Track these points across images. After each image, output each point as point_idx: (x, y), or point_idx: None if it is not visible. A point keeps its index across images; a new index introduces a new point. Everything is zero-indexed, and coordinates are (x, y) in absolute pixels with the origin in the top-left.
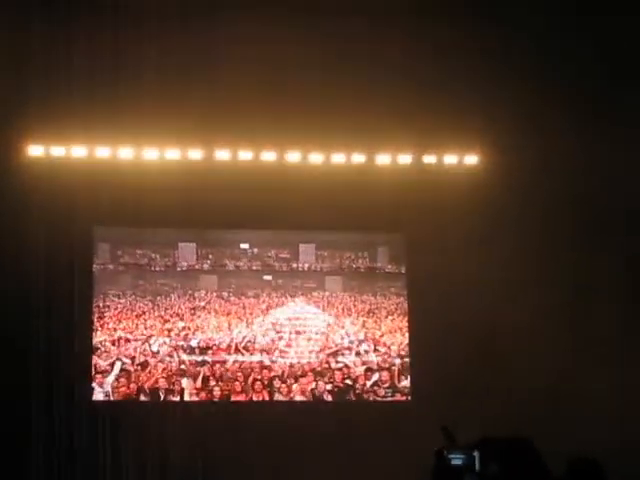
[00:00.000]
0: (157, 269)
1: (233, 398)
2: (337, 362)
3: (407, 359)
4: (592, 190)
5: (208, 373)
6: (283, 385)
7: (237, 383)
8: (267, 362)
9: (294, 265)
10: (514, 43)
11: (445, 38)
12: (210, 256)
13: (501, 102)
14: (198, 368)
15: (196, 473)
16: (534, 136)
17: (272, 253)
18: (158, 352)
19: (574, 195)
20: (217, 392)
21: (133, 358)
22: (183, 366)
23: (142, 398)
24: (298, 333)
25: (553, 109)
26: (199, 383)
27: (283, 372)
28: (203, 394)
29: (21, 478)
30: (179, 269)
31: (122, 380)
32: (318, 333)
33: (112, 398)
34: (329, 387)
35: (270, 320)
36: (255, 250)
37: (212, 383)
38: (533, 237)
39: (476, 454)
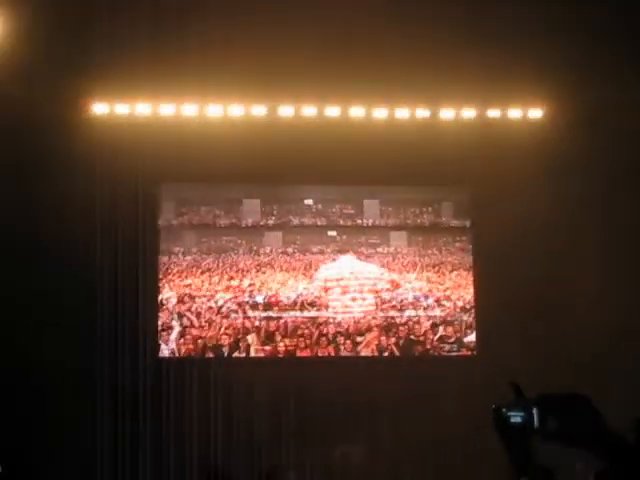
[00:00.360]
0: (222, 226)
1: (298, 354)
2: (402, 317)
3: (472, 314)
4: None
5: (273, 329)
6: (348, 341)
7: (302, 339)
8: (332, 317)
9: (358, 221)
10: None
11: None
12: (274, 212)
13: (565, 55)
14: (263, 324)
15: (261, 430)
16: (598, 88)
17: (336, 209)
18: (223, 308)
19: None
20: (282, 348)
21: (199, 314)
22: (248, 322)
23: (207, 354)
24: (363, 288)
25: (618, 61)
26: (264, 339)
27: (348, 327)
28: (268, 350)
29: (88, 434)
30: (244, 225)
31: (187, 337)
32: (383, 288)
33: (177, 355)
34: (394, 342)
35: (335, 276)
36: (319, 206)
37: (277, 339)
38: (597, 189)
39: (535, 411)
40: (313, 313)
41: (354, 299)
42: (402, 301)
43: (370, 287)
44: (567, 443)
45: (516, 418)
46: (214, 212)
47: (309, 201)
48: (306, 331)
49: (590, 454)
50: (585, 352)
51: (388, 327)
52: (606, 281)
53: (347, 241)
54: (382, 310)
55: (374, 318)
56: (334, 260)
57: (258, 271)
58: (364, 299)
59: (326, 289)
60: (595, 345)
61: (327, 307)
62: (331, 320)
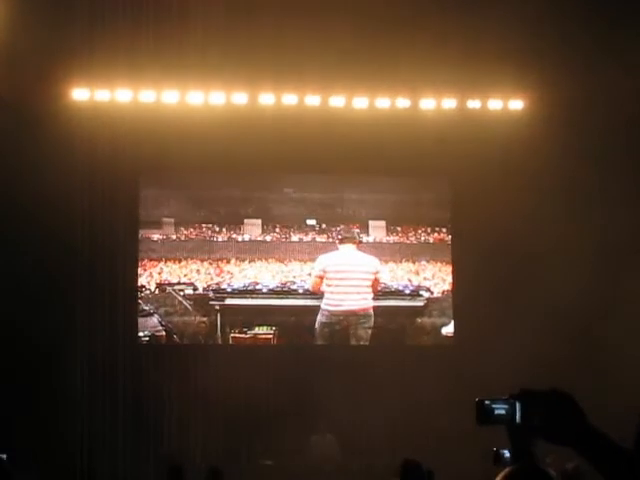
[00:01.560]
0: (201, 213)
1: (276, 342)
2: (382, 305)
3: (450, 304)
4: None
5: (250, 317)
6: (326, 329)
7: (280, 327)
8: (311, 305)
9: (338, 210)
10: None
11: None
12: (254, 200)
13: (546, 46)
14: (239, 311)
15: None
16: (579, 80)
17: (316, 198)
18: (201, 295)
19: (619, 139)
20: (262, 337)
21: (176, 301)
22: (226, 309)
23: (183, 341)
24: (342, 277)
25: (599, 53)
26: (240, 326)
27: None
28: (244, 338)
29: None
30: (224, 213)
31: (165, 321)
32: (359, 277)
33: (156, 341)
34: (372, 331)
35: (314, 264)
36: (299, 194)
37: (256, 327)
38: (577, 181)
39: (517, 406)
40: (291, 301)
41: (333, 288)
42: (381, 290)
43: (350, 276)
44: (549, 439)
45: (500, 410)
46: (194, 199)
47: (289, 189)
48: (285, 319)
49: (572, 450)
50: (563, 343)
51: (366, 316)
52: (587, 273)
53: (326, 230)
54: (361, 299)
55: (353, 307)
56: (313, 249)
57: (237, 259)
58: (343, 288)
59: (306, 277)
60: (574, 335)
61: (306, 295)
62: (310, 307)
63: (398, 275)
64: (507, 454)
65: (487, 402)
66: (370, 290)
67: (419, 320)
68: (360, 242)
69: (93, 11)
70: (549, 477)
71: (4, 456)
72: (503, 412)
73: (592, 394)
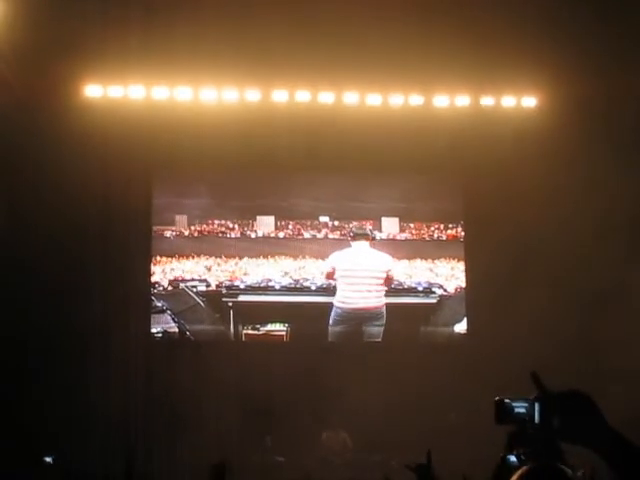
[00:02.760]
0: (214, 210)
1: (289, 339)
2: (394, 303)
3: (464, 301)
4: None
5: (263, 313)
6: (338, 327)
7: (293, 323)
8: (324, 302)
9: (351, 206)
10: None
11: None
12: (267, 196)
13: (559, 43)
14: (252, 308)
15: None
16: (592, 77)
17: (329, 194)
18: (214, 291)
19: (634, 136)
20: (275, 333)
21: (189, 297)
22: (237, 306)
23: (195, 337)
24: (355, 275)
25: (612, 49)
26: (253, 323)
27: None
28: (257, 334)
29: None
30: (236, 209)
31: (178, 318)
32: (372, 275)
33: (168, 335)
34: (385, 328)
35: (329, 261)
36: (312, 190)
37: (269, 324)
38: (591, 177)
39: (536, 408)
40: (305, 297)
41: (346, 285)
42: (394, 286)
43: (363, 273)
44: (567, 440)
45: (519, 410)
46: (206, 196)
47: (302, 186)
48: (297, 315)
49: (591, 452)
50: (578, 341)
51: (380, 314)
52: (602, 269)
53: (339, 226)
54: (375, 295)
55: (366, 303)
56: (327, 245)
57: (249, 255)
58: (355, 284)
59: (320, 274)
60: (588, 333)
61: (319, 292)
62: (325, 304)
63: (411, 272)
64: (513, 459)
65: (507, 401)
66: (382, 288)
67: (432, 317)
68: (373, 239)
69: (105, 8)
70: (565, 476)
71: (50, 459)
72: (522, 412)
73: (604, 393)
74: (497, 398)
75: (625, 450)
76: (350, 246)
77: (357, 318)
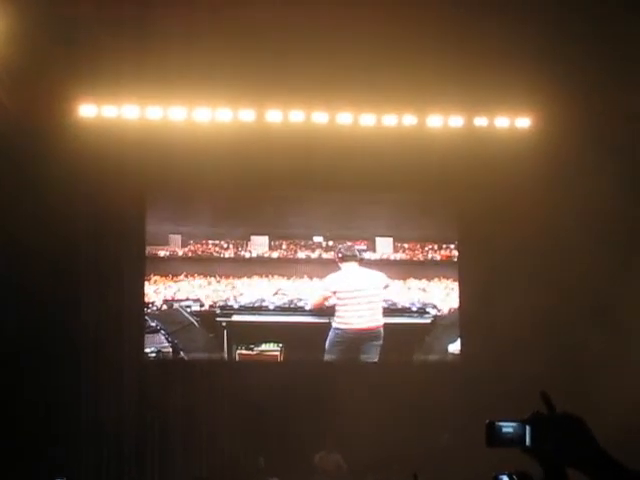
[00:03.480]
0: (208, 230)
1: (283, 359)
2: (389, 323)
3: (457, 321)
4: None
5: (257, 333)
6: (337, 348)
7: (288, 343)
8: (318, 322)
9: (345, 226)
10: (567, 4)
11: (496, 0)
12: (261, 216)
13: (553, 64)
14: (246, 328)
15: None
16: (586, 98)
17: (323, 214)
18: (208, 311)
19: (627, 156)
20: (268, 353)
21: (182, 317)
22: (233, 326)
23: (189, 357)
24: (354, 296)
25: (605, 70)
26: (246, 343)
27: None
28: (251, 355)
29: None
30: (230, 229)
31: (172, 337)
32: (371, 293)
33: (162, 356)
34: (380, 349)
35: (324, 283)
36: (305, 211)
37: (262, 344)
38: (585, 199)
39: (527, 430)
40: (300, 318)
41: (339, 305)
42: (388, 307)
43: (356, 294)
44: (558, 462)
45: (510, 433)
46: (200, 216)
47: (295, 206)
48: (291, 336)
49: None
50: (571, 363)
51: (375, 334)
52: (598, 288)
53: (333, 247)
54: (369, 316)
55: (360, 324)
56: (320, 266)
57: (243, 275)
58: (349, 305)
59: (314, 294)
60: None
61: (314, 312)
62: (320, 324)
63: (405, 292)
64: (505, 479)
65: (497, 424)
66: (381, 308)
67: (426, 337)
68: (362, 260)
69: (100, 27)
70: None
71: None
72: (513, 435)
73: (599, 413)
74: (487, 421)
75: (616, 473)
76: (340, 268)
77: (357, 339)
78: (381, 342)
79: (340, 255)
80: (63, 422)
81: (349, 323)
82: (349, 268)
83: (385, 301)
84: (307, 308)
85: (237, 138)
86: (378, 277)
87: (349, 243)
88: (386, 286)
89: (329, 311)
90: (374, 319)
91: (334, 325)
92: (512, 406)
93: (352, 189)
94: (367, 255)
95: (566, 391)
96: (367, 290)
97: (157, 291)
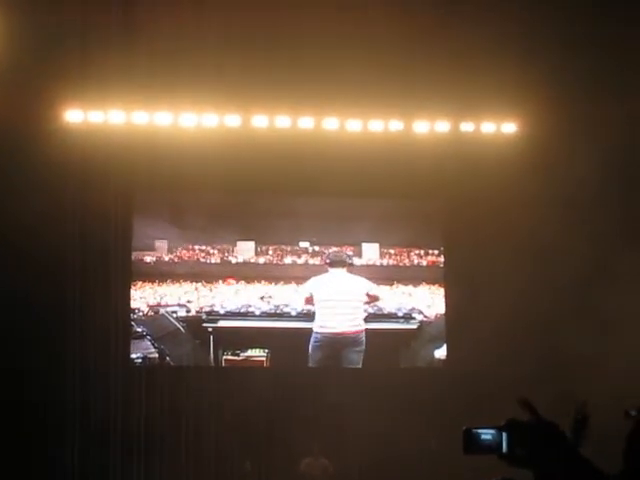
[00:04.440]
0: (194, 235)
1: (269, 364)
2: (375, 328)
3: (443, 326)
4: (634, 157)
5: (243, 339)
6: (318, 352)
7: (274, 349)
8: (304, 327)
9: (331, 232)
10: (552, 10)
11: (482, 5)
12: (247, 222)
13: (539, 69)
14: (232, 334)
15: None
16: (572, 103)
17: (309, 220)
18: (194, 317)
19: (613, 163)
20: (255, 359)
21: (168, 323)
22: (217, 331)
23: (175, 363)
24: (333, 299)
25: (591, 75)
26: (233, 349)
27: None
28: (237, 360)
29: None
30: (217, 234)
31: (158, 343)
32: (351, 298)
33: (148, 362)
34: (365, 354)
35: (307, 286)
36: (291, 216)
37: (249, 350)
38: (571, 204)
39: (504, 437)
40: (285, 323)
41: (326, 311)
42: (374, 312)
43: (343, 299)
44: (534, 468)
45: (487, 440)
46: (186, 221)
47: (282, 211)
48: (277, 341)
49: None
50: (558, 369)
51: (359, 339)
52: (584, 293)
53: (319, 252)
54: (354, 321)
55: (344, 329)
56: (307, 271)
57: (230, 280)
58: (336, 311)
59: (300, 300)
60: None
61: (300, 317)
62: (303, 329)
63: (391, 298)
64: None
65: (474, 431)
66: (362, 313)
67: (412, 343)
68: (350, 265)
69: (86, 33)
70: None
71: None
72: (490, 442)
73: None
74: (464, 427)
75: (592, 478)
76: (327, 271)
77: (336, 343)
78: (363, 347)
79: (328, 260)
80: (49, 426)
81: (326, 327)
82: (335, 273)
83: (371, 306)
84: (293, 314)
85: (223, 143)
86: (361, 283)
87: (336, 249)
88: (368, 291)
89: (314, 316)
90: (354, 324)
91: (314, 329)
92: (498, 411)
93: (338, 195)
94: (352, 260)
95: (553, 394)
96: (345, 295)
97: (143, 297)
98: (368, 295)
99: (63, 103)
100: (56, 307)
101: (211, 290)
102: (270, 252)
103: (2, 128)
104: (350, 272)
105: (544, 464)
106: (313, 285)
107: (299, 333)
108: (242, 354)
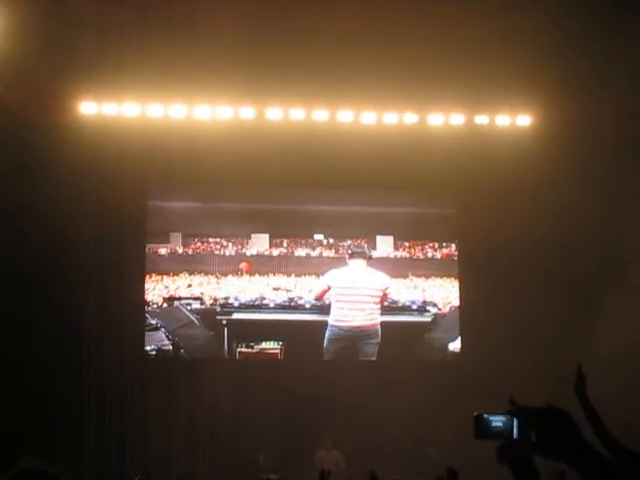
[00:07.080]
0: (209, 227)
1: (283, 356)
2: (389, 321)
3: (457, 319)
4: None
5: (257, 331)
6: (333, 345)
7: (288, 341)
8: (318, 320)
9: (345, 224)
10: (567, 2)
11: None
12: (261, 214)
13: (553, 62)
14: (246, 326)
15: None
16: (586, 96)
17: (323, 211)
18: (208, 309)
19: (626, 156)
20: (269, 351)
21: (183, 315)
22: (231, 323)
23: (190, 355)
24: (351, 293)
25: (606, 69)
26: (247, 341)
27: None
28: (251, 352)
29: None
30: (231, 227)
31: (172, 335)
32: (368, 293)
33: (163, 353)
34: (380, 347)
35: (322, 279)
36: (307, 208)
37: (263, 342)
38: (585, 197)
39: (514, 423)
40: (299, 315)
41: (340, 302)
42: (388, 304)
43: (357, 291)
44: (544, 455)
45: (498, 425)
46: (201, 213)
47: (296, 204)
48: (291, 333)
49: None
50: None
51: (374, 332)
52: (594, 289)
53: (333, 244)
54: (369, 314)
55: (361, 321)
56: (321, 263)
57: (243, 272)
58: (349, 302)
59: (314, 292)
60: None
61: (313, 310)
62: (318, 322)
63: (405, 290)
64: None
65: (485, 416)
66: (378, 307)
67: (427, 336)
68: (370, 257)
69: (101, 25)
70: None
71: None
72: (501, 427)
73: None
74: (476, 413)
75: (600, 466)
76: (347, 264)
77: (352, 336)
78: (378, 340)
79: (349, 252)
80: (65, 418)
81: (343, 320)
82: (355, 265)
83: (381, 299)
84: (307, 306)
85: (237, 136)
86: (379, 277)
87: (351, 241)
88: (386, 288)
89: (329, 309)
90: (370, 317)
91: (330, 322)
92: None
93: (352, 187)
94: (366, 252)
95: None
96: (363, 289)
97: (158, 289)
98: (384, 292)
99: (78, 95)
100: (71, 300)
101: (225, 283)
102: (284, 244)
103: (18, 120)
104: (370, 265)
105: (554, 449)
106: (331, 278)
107: (313, 325)
108: (256, 346)
